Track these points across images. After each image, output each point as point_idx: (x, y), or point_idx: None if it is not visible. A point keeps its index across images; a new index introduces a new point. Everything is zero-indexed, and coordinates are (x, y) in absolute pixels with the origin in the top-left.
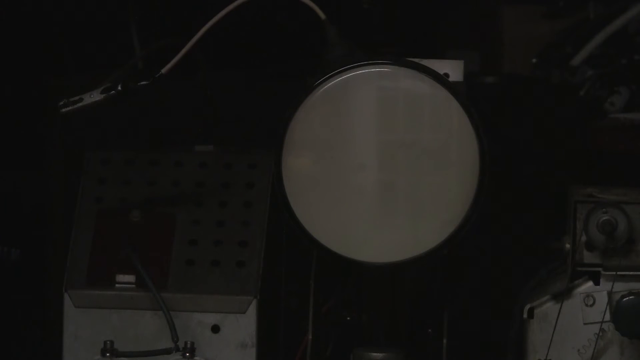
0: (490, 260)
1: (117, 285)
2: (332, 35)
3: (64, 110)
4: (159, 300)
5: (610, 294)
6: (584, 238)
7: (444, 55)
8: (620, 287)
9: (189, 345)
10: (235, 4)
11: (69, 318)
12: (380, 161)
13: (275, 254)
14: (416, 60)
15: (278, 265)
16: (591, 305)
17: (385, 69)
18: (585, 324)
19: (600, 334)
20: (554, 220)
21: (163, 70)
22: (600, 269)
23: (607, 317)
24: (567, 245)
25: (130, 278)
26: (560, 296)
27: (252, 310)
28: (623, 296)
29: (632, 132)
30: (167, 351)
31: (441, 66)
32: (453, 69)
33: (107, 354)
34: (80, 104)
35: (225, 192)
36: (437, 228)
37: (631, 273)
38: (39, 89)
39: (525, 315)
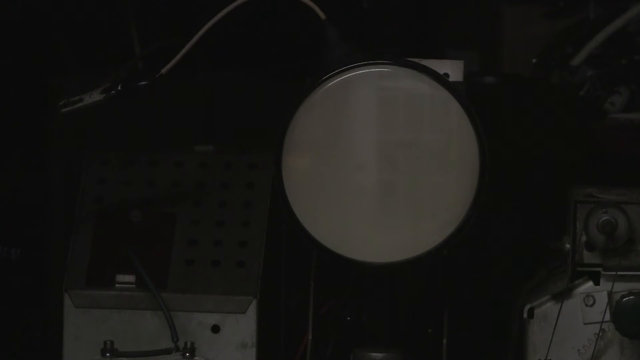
0: (490, 260)
1: (117, 285)
2: (332, 35)
3: (64, 110)
4: (159, 300)
5: (610, 294)
6: (584, 238)
7: (444, 55)
8: (620, 287)
9: (189, 345)
10: (235, 4)
11: (69, 318)
12: (380, 161)
13: (275, 254)
14: (416, 60)
15: (278, 265)
16: (591, 305)
17: (385, 69)
18: (585, 324)
19: (600, 334)
20: (554, 220)
21: (163, 70)
22: (600, 269)
23: (607, 317)
24: (567, 245)
25: (130, 278)
26: (560, 296)
27: (252, 310)
28: (623, 296)
29: (632, 132)
30: (167, 351)
31: (441, 66)
32: (453, 69)
33: (107, 354)
34: (80, 104)
35: (225, 192)
36: (437, 228)
37: (631, 273)
38: (39, 89)
39: (525, 315)
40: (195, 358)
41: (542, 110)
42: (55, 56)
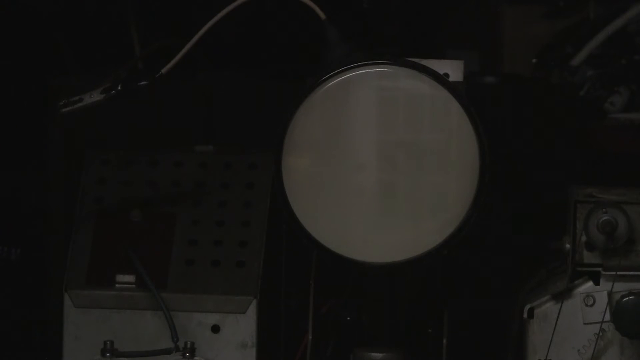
0: (490, 260)
1: (117, 285)
2: (332, 35)
3: (64, 110)
4: (159, 300)
5: (610, 294)
6: (584, 238)
7: (444, 55)
8: (620, 287)
9: (189, 345)
10: (235, 4)
11: (69, 318)
12: (380, 161)
13: (275, 254)
14: (416, 60)
15: (278, 265)
16: (591, 305)
17: (385, 69)
18: (585, 324)
19: (600, 334)
20: (554, 220)
21: (163, 70)
22: (600, 269)
23: (607, 317)
24: (567, 245)
25: (130, 278)
26: (560, 296)
27: (252, 310)
28: (623, 296)
29: (632, 132)
30: (167, 351)
31: (441, 66)
32: (453, 69)
33: (107, 354)
34: (80, 104)
35: (225, 192)
36: (437, 228)
37: (631, 273)
38: (39, 89)
39: (525, 315)
40: (195, 358)
41: (542, 110)
42: (55, 56)
